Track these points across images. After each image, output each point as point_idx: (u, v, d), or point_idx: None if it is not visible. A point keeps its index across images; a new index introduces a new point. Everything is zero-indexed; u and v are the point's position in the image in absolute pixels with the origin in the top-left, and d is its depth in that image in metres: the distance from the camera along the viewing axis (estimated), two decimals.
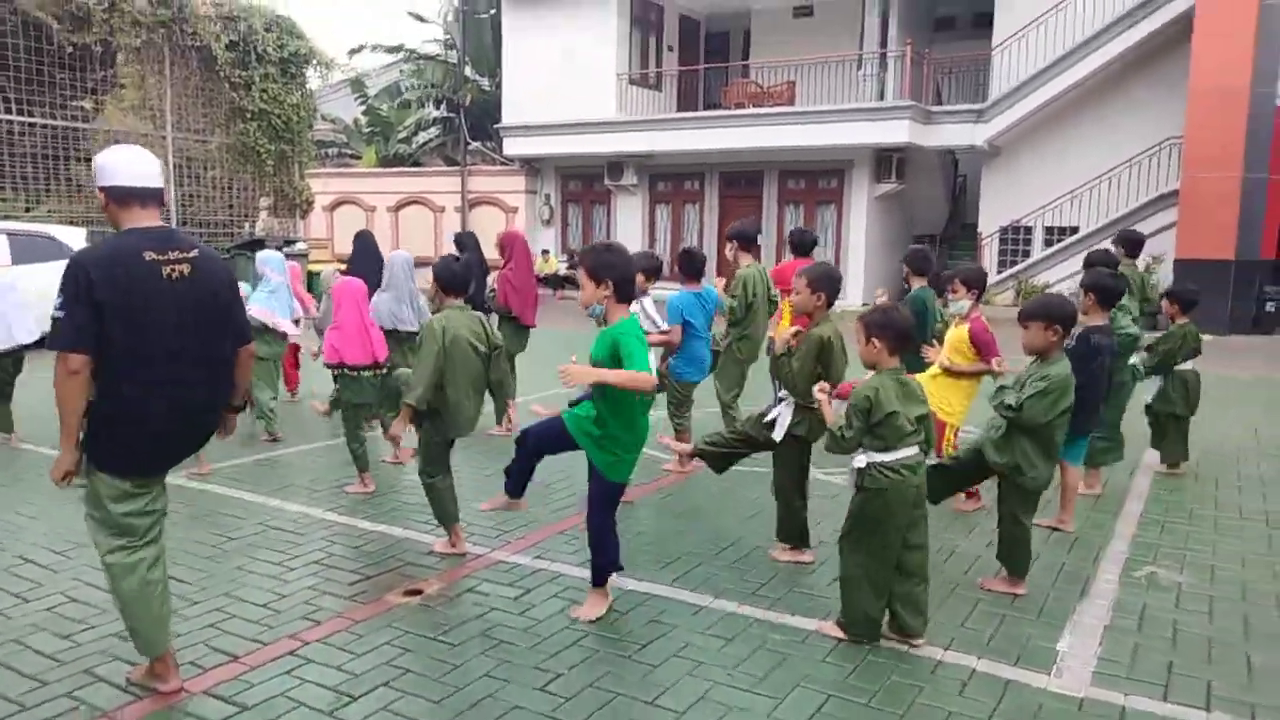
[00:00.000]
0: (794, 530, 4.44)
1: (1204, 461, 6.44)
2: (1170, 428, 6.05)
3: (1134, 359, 5.79)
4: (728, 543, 4.72)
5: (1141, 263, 15.61)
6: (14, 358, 6.88)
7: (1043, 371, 3.96)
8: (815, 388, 3.83)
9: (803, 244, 6.71)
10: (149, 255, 2.91)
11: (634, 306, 4.37)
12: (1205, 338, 6.61)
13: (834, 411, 3.67)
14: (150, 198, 3.00)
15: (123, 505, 3.03)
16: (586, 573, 4.02)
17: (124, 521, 3.04)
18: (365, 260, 7.51)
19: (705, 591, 4.07)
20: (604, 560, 3.80)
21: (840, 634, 3.61)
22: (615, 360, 3.50)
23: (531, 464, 4.03)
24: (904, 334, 3.58)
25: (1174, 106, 15.50)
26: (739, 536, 4.80)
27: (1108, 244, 7.09)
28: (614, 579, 3.95)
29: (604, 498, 3.75)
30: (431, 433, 4.42)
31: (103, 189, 2.97)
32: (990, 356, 4.90)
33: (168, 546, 3.15)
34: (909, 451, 3.48)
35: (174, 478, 6.00)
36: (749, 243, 6.13)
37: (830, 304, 4.16)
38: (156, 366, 2.92)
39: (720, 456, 4.59)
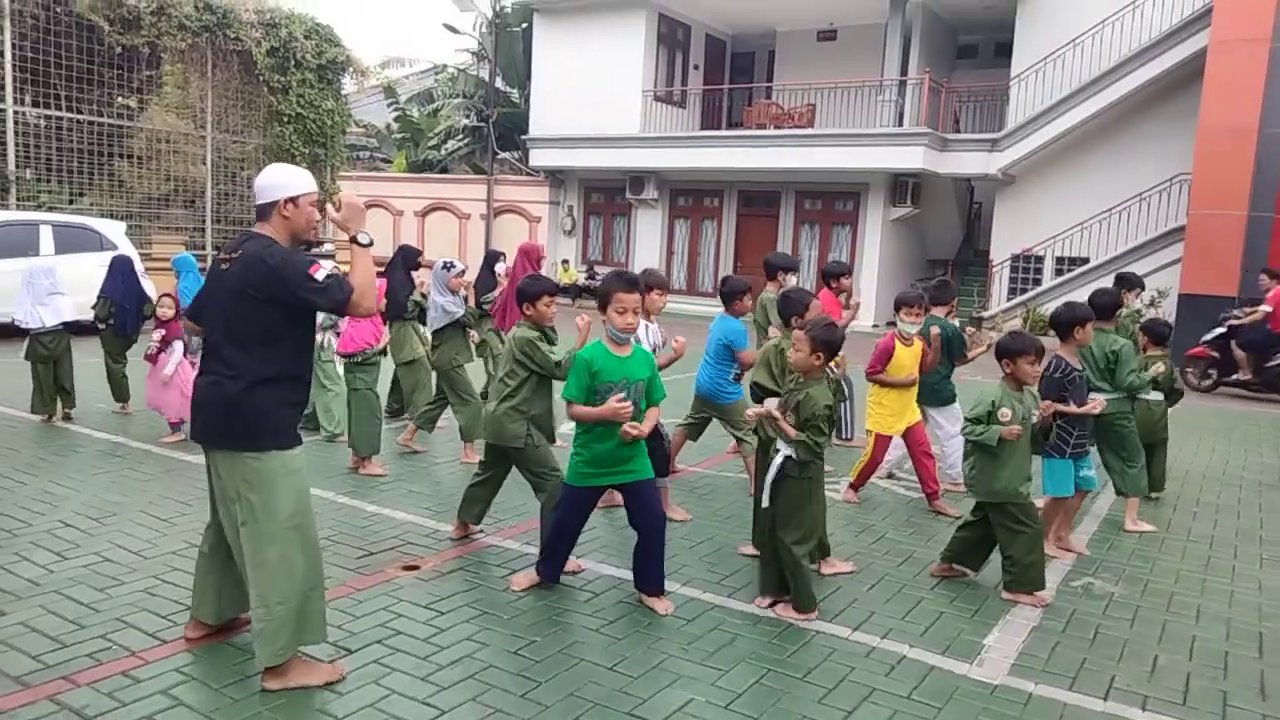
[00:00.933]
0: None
1: (1171, 488, 6.76)
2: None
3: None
4: (703, 539, 5.12)
5: (1147, 297, 15.89)
6: (55, 336, 7.37)
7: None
8: (762, 411, 4.17)
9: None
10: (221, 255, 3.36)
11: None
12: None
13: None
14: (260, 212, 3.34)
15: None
16: (571, 557, 4.47)
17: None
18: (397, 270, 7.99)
19: (674, 580, 4.47)
20: (543, 551, 4.27)
21: (796, 615, 4.02)
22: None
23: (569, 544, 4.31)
24: (837, 350, 4.13)
25: (1184, 143, 15.77)
26: (713, 534, 5.21)
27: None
28: (594, 565, 4.37)
29: (563, 496, 4.21)
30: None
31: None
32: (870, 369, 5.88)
33: (195, 521, 3.56)
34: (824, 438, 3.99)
35: (197, 456, 6.53)
36: (772, 271, 6.93)
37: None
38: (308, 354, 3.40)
39: None
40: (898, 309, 5.92)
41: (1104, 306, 5.60)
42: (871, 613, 4.18)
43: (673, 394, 5.15)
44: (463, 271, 6.81)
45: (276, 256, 3.15)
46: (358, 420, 6.25)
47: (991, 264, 18.99)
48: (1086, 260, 17.71)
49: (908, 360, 5.84)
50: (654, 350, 5.16)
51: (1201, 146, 15.00)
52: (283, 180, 3.30)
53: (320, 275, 3.11)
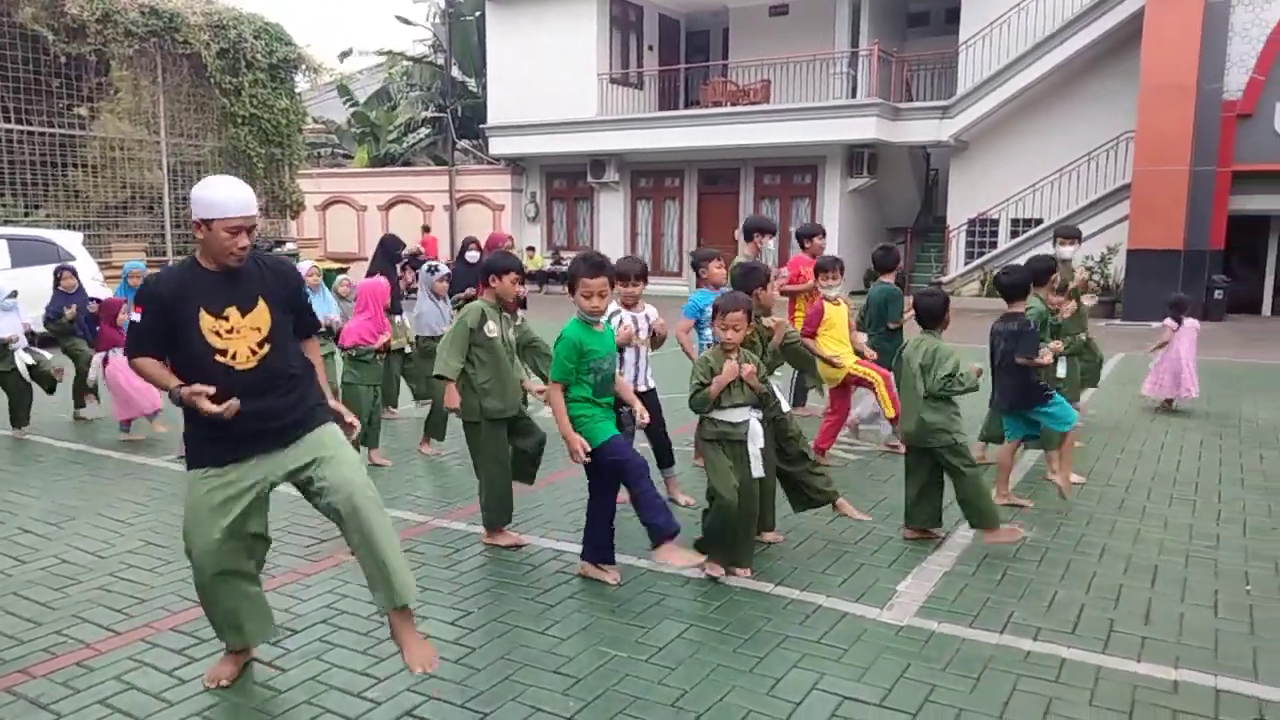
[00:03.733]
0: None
1: (1096, 436, 7.07)
2: None
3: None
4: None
5: (1097, 253, 16.23)
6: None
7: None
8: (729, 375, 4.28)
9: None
10: None
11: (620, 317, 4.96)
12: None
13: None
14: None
15: None
16: (513, 535, 4.70)
17: None
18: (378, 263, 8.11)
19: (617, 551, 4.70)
20: (586, 540, 4.35)
21: (719, 570, 4.28)
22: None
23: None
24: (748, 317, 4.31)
25: (1130, 102, 16.09)
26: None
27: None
28: (536, 540, 4.60)
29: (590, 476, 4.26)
30: None
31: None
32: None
33: (151, 521, 3.72)
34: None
35: (154, 459, 6.68)
36: (749, 234, 6.93)
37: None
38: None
39: None
40: (817, 274, 6.26)
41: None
42: (794, 568, 4.43)
43: (672, 368, 5.29)
44: (447, 276, 6.97)
45: (143, 282, 3.26)
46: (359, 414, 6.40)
47: (949, 229, 19.30)
48: (1040, 221, 18.05)
49: (838, 319, 6.16)
50: (652, 334, 5.22)
51: (1143, 104, 15.32)
52: (199, 197, 3.12)
53: (131, 318, 3.18)
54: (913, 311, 6.54)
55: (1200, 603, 4.04)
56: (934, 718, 3.10)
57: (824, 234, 7.57)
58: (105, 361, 7.13)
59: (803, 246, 7.51)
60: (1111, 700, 3.21)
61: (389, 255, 7.24)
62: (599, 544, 4.32)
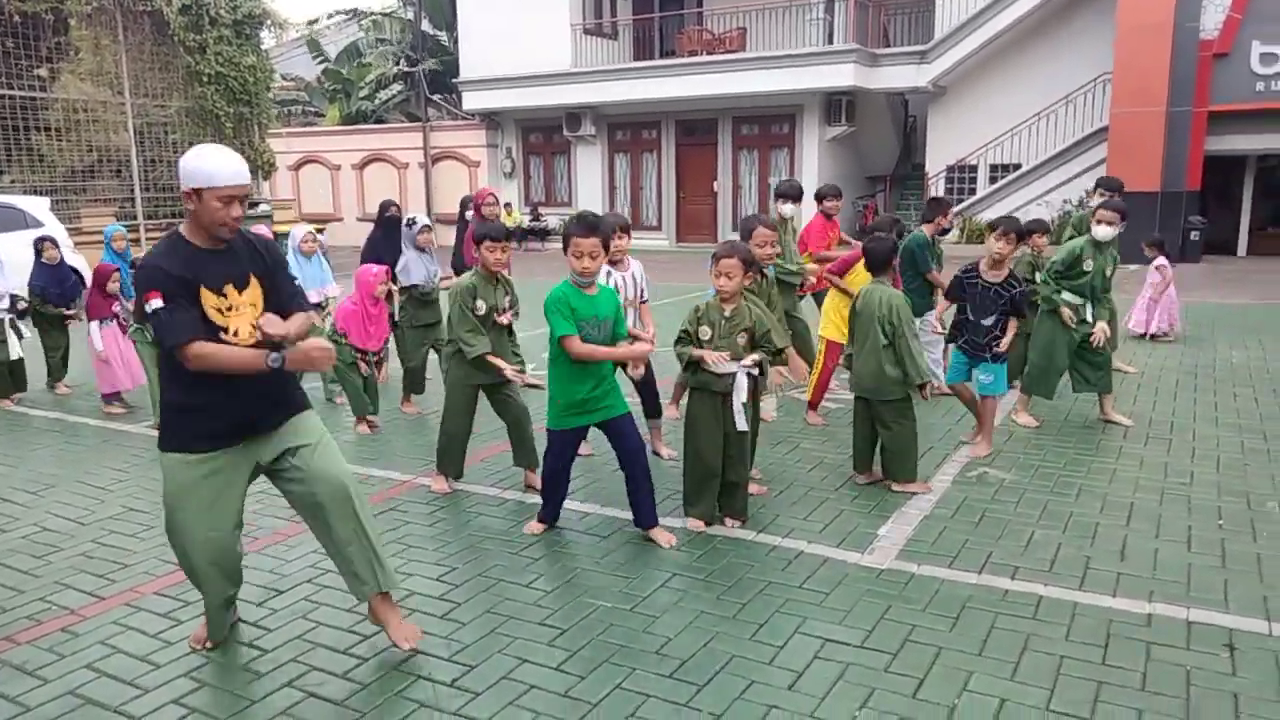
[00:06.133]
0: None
1: None
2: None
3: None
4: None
5: (1075, 197, 16.24)
6: None
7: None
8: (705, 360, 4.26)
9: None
10: None
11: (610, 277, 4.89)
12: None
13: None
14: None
15: None
16: (495, 491, 4.77)
17: None
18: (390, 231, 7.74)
19: (594, 502, 4.73)
20: (544, 502, 4.37)
21: (700, 525, 4.32)
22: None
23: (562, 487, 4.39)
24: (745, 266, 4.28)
25: (1104, 44, 15.99)
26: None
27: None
28: (509, 491, 4.61)
29: (548, 443, 4.26)
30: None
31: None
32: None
33: (131, 487, 3.65)
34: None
35: (132, 426, 6.63)
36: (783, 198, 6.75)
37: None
38: None
39: None
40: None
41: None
42: (776, 515, 4.48)
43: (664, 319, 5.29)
44: (428, 227, 6.87)
45: (141, 265, 3.03)
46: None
47: (927, 176, 19.24)
48: (1019, 166, 18.02)
49: (863, 275, 6.04)
50: (642, 294, 5.17)
51: (1120, 44, 15.24)
52: (189, 166, 2.96)
53: (150, 307, 2.91)
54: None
55: (1174, 538, 4.11)
56: (914, 656, 3.16)
57: (840, 195, 7.36)
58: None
59: (821, 208, 7.27)
60: (1087, 635, 3.27)
61: (390, 223, 7.04)
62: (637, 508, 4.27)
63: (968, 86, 18.50)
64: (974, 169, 18.80)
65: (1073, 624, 3.35)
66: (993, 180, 18.49)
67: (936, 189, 18.98)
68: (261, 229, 8.33)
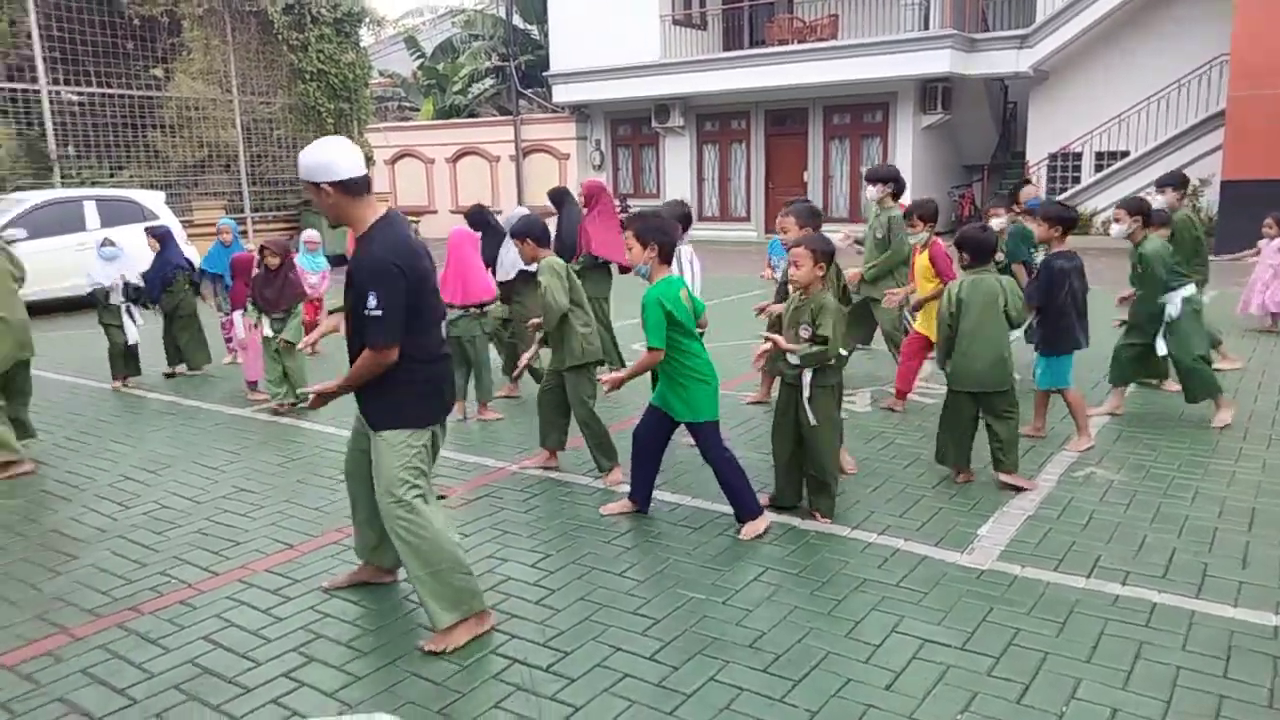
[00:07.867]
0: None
1: None
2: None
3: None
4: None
5: (1189, 186, 15.41)
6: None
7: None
8: (767, 348, 4.39)
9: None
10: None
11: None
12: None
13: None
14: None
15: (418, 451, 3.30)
16: (586, 480, 4.79)
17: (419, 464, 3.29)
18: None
19: (684, 494, 4.73)
20: (732, 492, 4.20)
21: (821, 519, 4.30)
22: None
23: (650, 470, 4.43)
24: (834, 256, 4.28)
25: (1221, 24, 15.12)
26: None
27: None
28: (592, 480, 4.66)
29: (704, 438, 4.23)
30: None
31: (332, 184, 3.08)
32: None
33: (242, 469, 3.81)
34: None
35: (244, 410, 6.91)
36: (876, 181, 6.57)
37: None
38: (435, 330, 3.32)
39: None
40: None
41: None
42: (871, 512, 4.39)
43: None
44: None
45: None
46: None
47: (1028, 165, 18.56)
48: (1126, 154, 17.21)
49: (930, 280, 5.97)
50: (694, 281, 5.23)
51: (1240, 22, 14.39)
52: (319, 161, 3.11)
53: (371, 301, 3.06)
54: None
55: None
56: (1019, 661, 3.06)
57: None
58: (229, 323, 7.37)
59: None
60: (1207, 645, 3.12)
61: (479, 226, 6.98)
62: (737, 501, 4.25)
63: (1072, 71, 17.75)
64: (1079, 156, 18.05)
65: (1190, 633, 3.20)
66: (1098, 168, 17.72)
67: (1039, 178, 18.29)
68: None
